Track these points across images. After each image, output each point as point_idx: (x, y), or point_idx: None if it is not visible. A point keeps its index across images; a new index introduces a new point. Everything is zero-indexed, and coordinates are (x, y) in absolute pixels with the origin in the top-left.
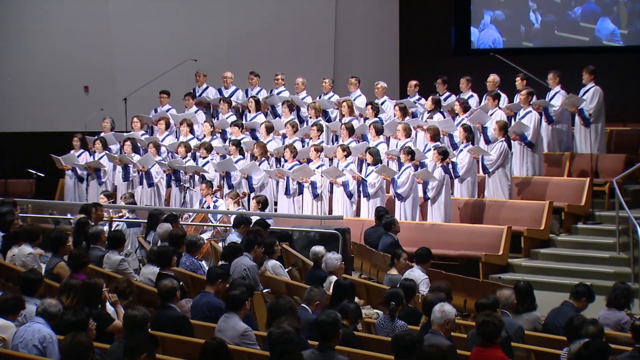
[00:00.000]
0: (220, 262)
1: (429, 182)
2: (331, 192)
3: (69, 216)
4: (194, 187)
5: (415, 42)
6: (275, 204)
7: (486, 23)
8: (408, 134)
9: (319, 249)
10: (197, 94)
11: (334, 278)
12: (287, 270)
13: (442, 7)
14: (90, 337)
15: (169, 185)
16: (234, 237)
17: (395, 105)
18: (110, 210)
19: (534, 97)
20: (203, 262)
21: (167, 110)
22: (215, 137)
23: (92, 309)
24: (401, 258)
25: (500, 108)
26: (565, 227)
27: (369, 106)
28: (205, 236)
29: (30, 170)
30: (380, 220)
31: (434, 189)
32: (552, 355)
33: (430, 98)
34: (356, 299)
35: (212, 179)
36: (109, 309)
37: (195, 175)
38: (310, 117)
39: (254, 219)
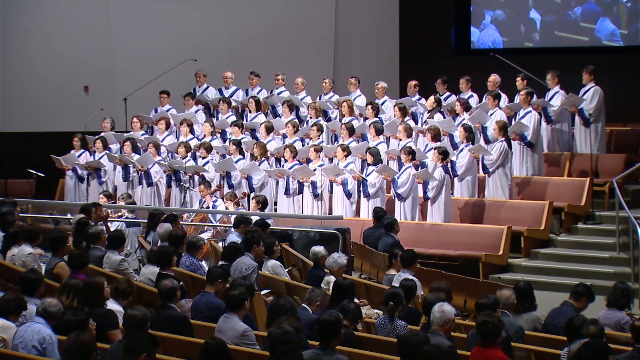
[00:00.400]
0: (220, 262)
1: (429, 182)
2: (331, 192)
3: (69, 216)
4: (194, 187)
5: (415, 42)
6: (275, 204)
7: (486, 23)
8: (409, 134)
9: (319, 249)
10: (197, 94)
11: (332, 278)
12: (287, 270)
13: (442, 7)
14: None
15: (169, 185)
16: (234, 237)
17: (394, 106)
18: (110, 211)
19: (534, 97)
20: (203, 262)
21: (167, 110)
22: (215, 137)
23: (92, 309)
24: (398, 258)
25: (500, 108)
26: (565, 227)
27: (369, 106)
28: (205, 236)
29: (30, 170)
30: (379, 220)
31: (434, 189)
32: (552, 355)
33: (432, 97)
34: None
35: (212, 179)
36: (114, 308)
37: (195, 175)
38: (310, 117)
39: (254, 219)
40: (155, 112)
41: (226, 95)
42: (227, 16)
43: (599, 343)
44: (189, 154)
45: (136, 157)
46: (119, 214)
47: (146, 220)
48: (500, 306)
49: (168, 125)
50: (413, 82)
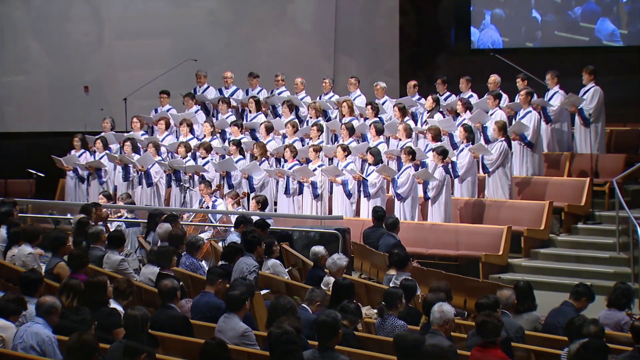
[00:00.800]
0: (220, 262)
1: (429, 182)
2: (331, 192)
3: (69, 216)
4: (194, 187)
5: (415, 42)
6: (275, 204)
7: (486, 23)
8: (409, 134)
9: (319, 249)
10: (197, 94)
11: (331, 279)
12: (287, 270)
13: (442, 7)
14: None
15: (169, 185)
16: (234, 237)
17: (394, 106)
18: (109, 211)
19: (534, 97)
20: (203, 262)
21: (167, 110)
22: (215, 137)
23: (97, 308)
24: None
25: (500, 108)
26: (565, 227)
27: (369, 106)
28: (205, 236)
29: (30, 170)
30: (378, 220)
31: (434, 189)
32: (552, 355)
33: (430, 97)
34: None
35: (212, 179)
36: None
37: (195, 175)
38: (311, 117)
39: (255, 219)
40: (155, 112)
41: (226, 95)
42: (227, 16)
43: (598, 343)
44: (189, 154)
45: (136, 157)
46: (119, 214)
47: (146, 220)
48: (500, 306)
49: (168, 125)
50: (413, 82)
